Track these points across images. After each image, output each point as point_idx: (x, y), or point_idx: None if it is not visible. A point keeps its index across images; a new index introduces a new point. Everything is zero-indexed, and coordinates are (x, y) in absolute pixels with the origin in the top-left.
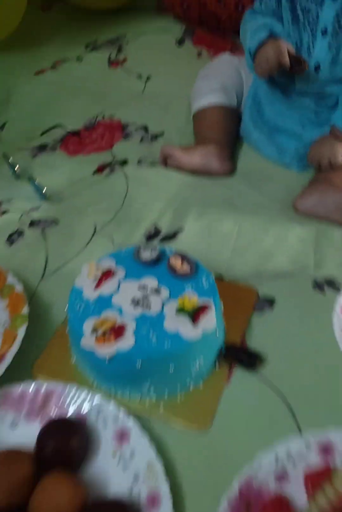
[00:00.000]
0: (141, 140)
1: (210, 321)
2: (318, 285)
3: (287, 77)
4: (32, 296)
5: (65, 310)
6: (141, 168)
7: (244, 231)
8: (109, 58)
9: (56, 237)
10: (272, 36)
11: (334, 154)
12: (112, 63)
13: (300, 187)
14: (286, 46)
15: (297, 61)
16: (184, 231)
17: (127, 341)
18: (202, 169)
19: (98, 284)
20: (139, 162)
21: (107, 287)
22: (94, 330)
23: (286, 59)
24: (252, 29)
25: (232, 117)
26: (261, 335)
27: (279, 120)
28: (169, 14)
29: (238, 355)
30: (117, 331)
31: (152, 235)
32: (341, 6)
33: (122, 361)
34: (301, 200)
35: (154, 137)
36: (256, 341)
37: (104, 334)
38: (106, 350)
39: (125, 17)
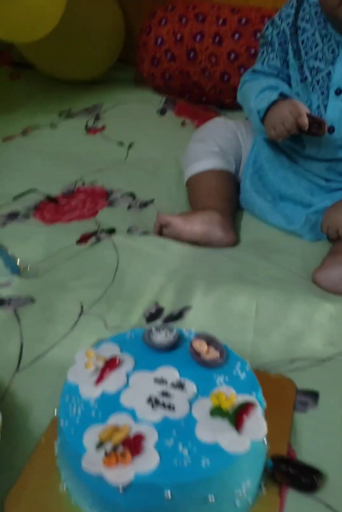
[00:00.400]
0: (129, 207)
1: (258, 425)
2: None
3: (295, 141)
4: (3, 395)
5: (53, 413)
6: (132, 237)
7: (263, 308)
8: (87, 125)
9: (33, 318)
10: (283, 96)
11: None
12: (89, 130)
13: (316, 257)
14: (303, 106)
15: (315, 122)
16: (191, 310)
17: (149, 460)
18: (203, 239)
19: (100, 378)
20: (129, 231)
21: (113, 382)
22: (100, 444)
23: (305, 120)
24: (257, 90)
25: (231, 183)
26: (309, 440)
27: (284, 187)
28: (147, 87)
29: (289, 472)
30: (134, 445)
31: (153, 315)
32: None
33: (142, 491)
34: (323, 274)
35: (144, 204)
36: (305, 449)
37: (115, 449)
38: (120, 474)
39: (101, 89)
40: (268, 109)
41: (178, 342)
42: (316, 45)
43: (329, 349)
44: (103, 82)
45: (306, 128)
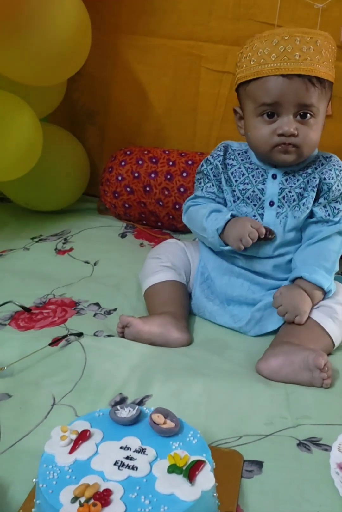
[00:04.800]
0: (95, 315)
1: (208, 478)
2: (303, 444)
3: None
4: None
5: (29, 489)
6: (98, 339)
7: (214, 395)
8: (56, 247)
9: (10, 411)
10: (233, 216)
11: (302, 312)
12: (59, 251)
13: (258, 351)
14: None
15: (267, 230)
16: (152, 397)
17: (116, 510)
18: (160, 339)
19: (73, 448)
20: (95, 334)
21: (84, 451)
22: (75, 498)
23: (264, 230)
24: (205, 213)
25: (183, 292)
26: (255, 501)
27: (229, 291)
28: (110, 215)
29: None
30: (103, 498)
31: (118, 403)
32: (282, 182)
33: None
34: (264, 364)
35: (108, 312)
36: (252, 508)
37: (87, 502)
38: None
39: (69, 217)
40: (225, 226)
41: (139, 417)
42: (243, 174)
43: (270, 427)
44: (71, 212)
45: (263, 236)
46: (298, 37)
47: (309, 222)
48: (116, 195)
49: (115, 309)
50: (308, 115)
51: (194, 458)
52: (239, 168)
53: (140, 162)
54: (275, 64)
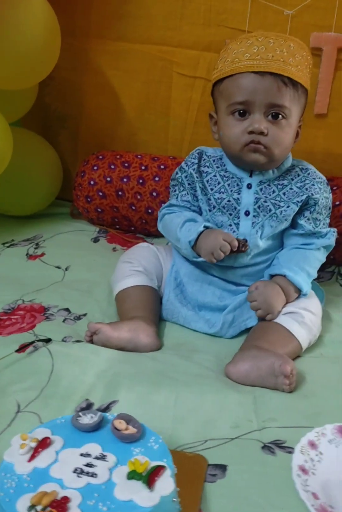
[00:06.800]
0: (64, 320)
1: (167, 484)
2: (267, 447)
3: None
4: None
5: None
6: (66, 345)
7: (181, 399)
8: (28, 252)
9: None
10: (206, 227)
11: (275, 311)
12: (30, 256)
13: (228, 355)
14: (229, 233)
15: (240, 243)
16: (118, 403)
17: None
18: (129, 344)
19: (32, 457)
20: (63, 340)
21: (43, 459)
22: (32, 507)
23: (236, 243)
24: (179, 222)
25: (154, 296)
26: (219, 506)
27: (201, 297)
28: (83, 220)
29: None
30: (61, 505)
31: (84, 409)
32: (257, 192)
33: None
34: (233, 368)
35: (77, 317)
36: None
37: (45, 509)
38: None
39: (41, 222)
40: (197, 238)
41: (101, 423)
42: (218, 183)
43: (236, 430)
44: (43, 216)
45: (236, 249)
46: (271, 39)
47: (293, 233)
48: (89, 199)
49: (85, 314)
50: (280, 116)
51: (154, 463)
52: (214, 176)
53: (112, 166)
54: (248, 62)
